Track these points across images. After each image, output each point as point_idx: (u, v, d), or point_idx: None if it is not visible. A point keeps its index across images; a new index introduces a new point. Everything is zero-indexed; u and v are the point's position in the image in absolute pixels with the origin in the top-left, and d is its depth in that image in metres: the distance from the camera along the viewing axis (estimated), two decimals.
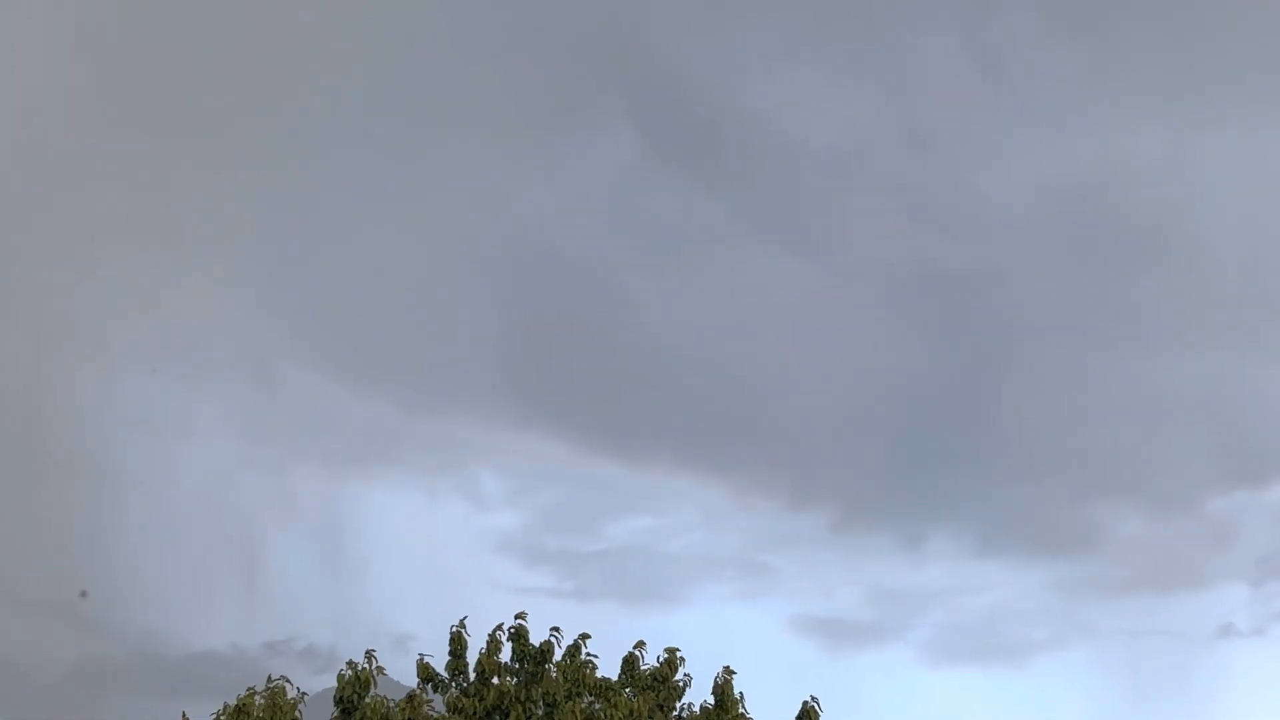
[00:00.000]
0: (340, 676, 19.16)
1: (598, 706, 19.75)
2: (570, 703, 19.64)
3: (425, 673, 20.34)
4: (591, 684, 20.10)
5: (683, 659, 20.43)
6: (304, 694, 19.15)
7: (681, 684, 20.33)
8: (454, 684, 20.27)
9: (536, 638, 20.38)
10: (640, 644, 20.46)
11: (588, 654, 20.34)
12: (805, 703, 20.26)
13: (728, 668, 20.15)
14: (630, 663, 20.48)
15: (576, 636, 20.43)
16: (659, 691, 20.10)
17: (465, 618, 20.17)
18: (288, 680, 19.03)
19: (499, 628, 20.21)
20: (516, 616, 20.22)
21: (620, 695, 19.78)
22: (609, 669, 20.56)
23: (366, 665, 19.29)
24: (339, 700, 19.13)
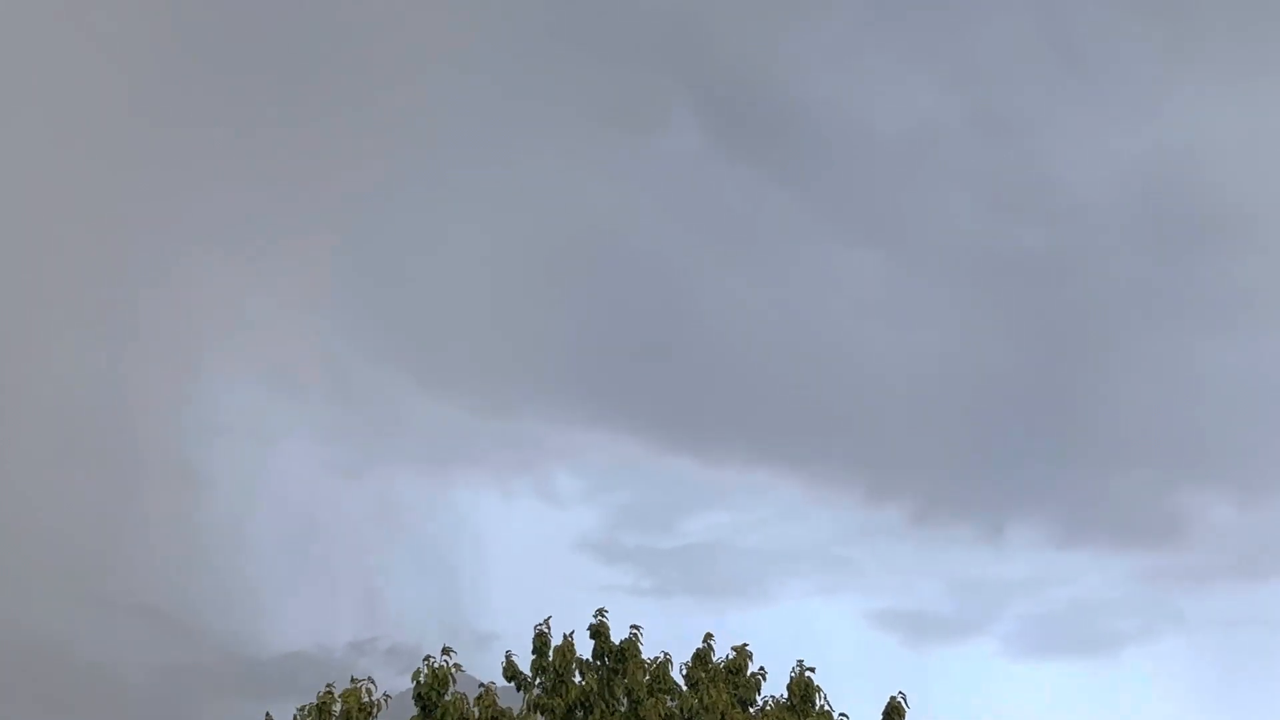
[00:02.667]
0: (417, 674, 19.13)
1: (673, 703, 19.62)
2: (653, 700, 19.59)
3: (511, 671, 20.36)
4: (670, 680, 20.06)
5: (751, 653, 20.37)
6: (387, 696, 19.28)
7: (757, 678, 20.15)
8: (537, 682, 20.24)
9: (617, 635, 20.34)
10: (709, 636, 20.39)
11: (652, 658, 20.16)
12: (893, 698, 20.15)
13: (802, 662, 20.10)
14: (701, 656, 20.48)
15: (637, 629, 20.23)
16: (735, 684, 19.95)
17: (549, 617, 20.21)
18: (372, 682, 19.08)
19: (584, 628, 20.20)
20: (596, 613, 20.19)
21: (704, 684, 19.69)
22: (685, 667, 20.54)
23: (444, 663, 19.25)
24: (418, 698, 19.15)
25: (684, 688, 20.13)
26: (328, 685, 19.08)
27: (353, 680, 19.20)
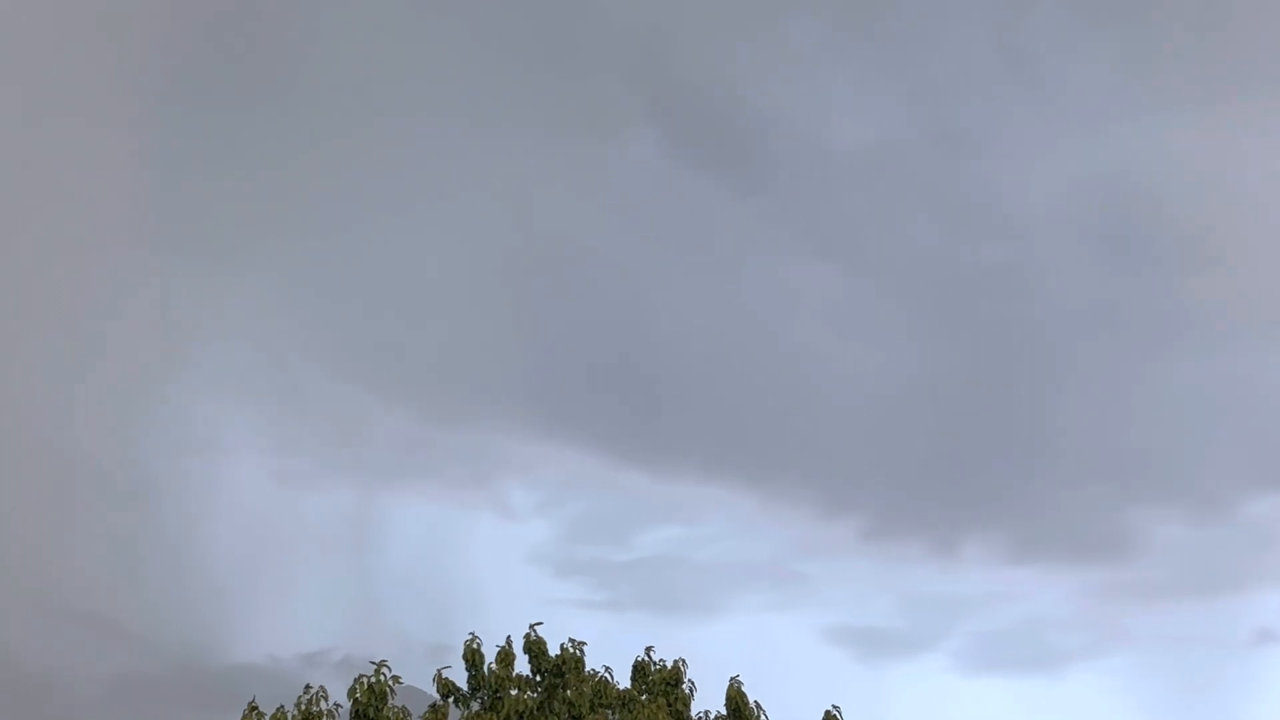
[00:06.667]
0: (351, 691, 19.02)
1: (615, 718, 19.68)
2: (594, 715, 19.59)
3: (446, 687, 20.26)
4: (613, 695, 20.10)
5: (686, 664, 20.54)
6: (337, 705, 19.17)
7: (688, 690, 20.29)
8: (475, 698, 20.18)
9: (559, 646, 20.33)
10: (649, 649, 20.51)
11: (593, 670, 20.23)
12: (828, 711, 20.28)
13: (736, 676, 20.23)
14: (640, 668, 20.56)
15: (569, 642, 20.28)
16: (671, 697, 20.06)
17: (473, 632, 20.08)
18: (324, 690, 19.03)
19: (523, 636, 20.16)
20: (531, 627, 20.13)
21: (639, 703, 19.75)
22: (628, 678, 20.63)
23: (381, 677, 19.14)
24: (355, 715, 19.01)
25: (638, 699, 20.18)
26: (279, 707, 19.03)
27: (306, 688, 19.14)
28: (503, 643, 20.29)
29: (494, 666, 20.01)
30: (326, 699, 19.05)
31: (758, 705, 20.15)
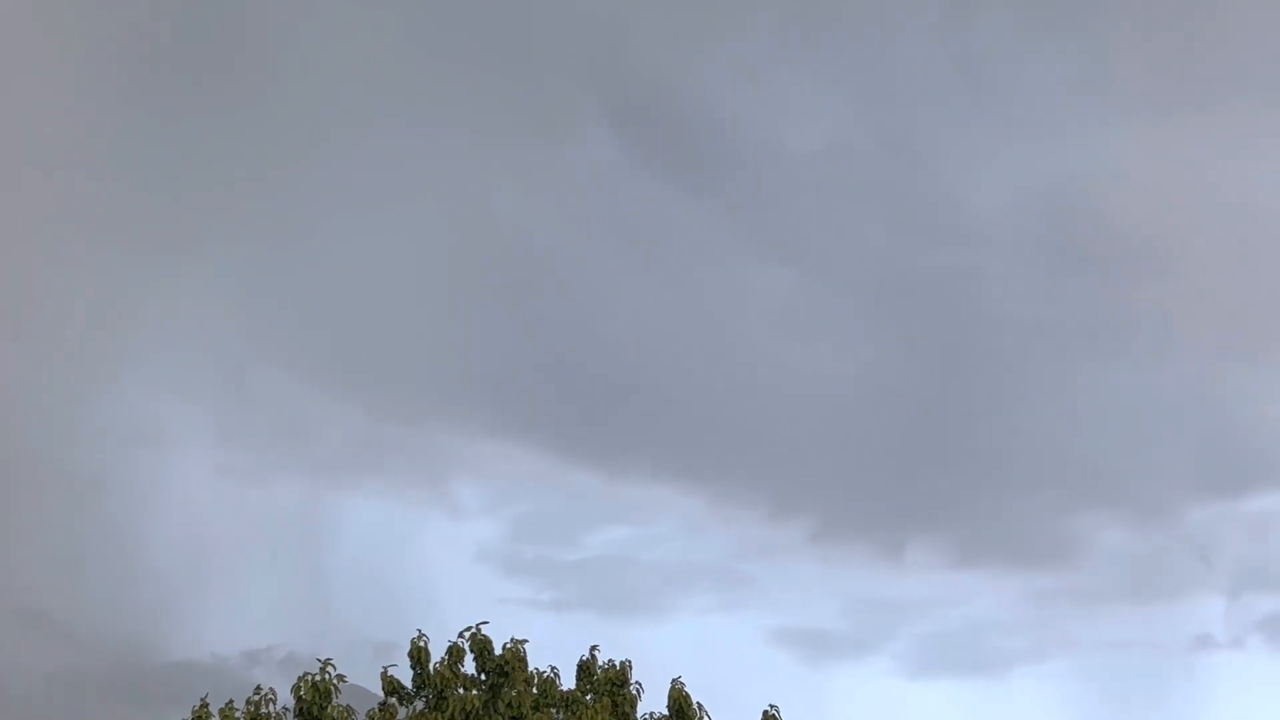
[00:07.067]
0: (295, 688, 18.94)
1: (560, 718, 19.68)
2: (537, 715, 19.57)
3: (390, 685, 20.20)
4: (557, 695, 20.09)
5: (631, 665, 20.57)
6: (285, 710, 19.15)
7: (635, 692, 20.32)
8: (420, 697, 20.12)
9: (501, 646, 20.31)
10: (594, 648, 20.55)
11: (539, 668, 20.23)
12: (766, 711, 20.40)
13: (679, 678, 20.30)
14: (585, 667, 20.59)
15: (519, 641, 20.28)
16: (616, 698, 20.08)
17: (420, 630, 20.03)
18: (273, 692, 18.98)
19: (460, 636, 20.11)
20: (477, 626, 20.12)
21: (583, 704, 19.75)
22: (573, 678, 20.63)
23: (325, 676, 19.07)
24: (298, 713, 18.94)
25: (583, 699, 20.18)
26: (229, 701, 18.92)
27: (257, 690, 19.05)
28: (447, 641, 20.26)
29: (440, 665, 19.95)
30: (275, 700, 18.97)
31: (700, 707, 20.18)
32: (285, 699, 19.29)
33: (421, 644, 20.00)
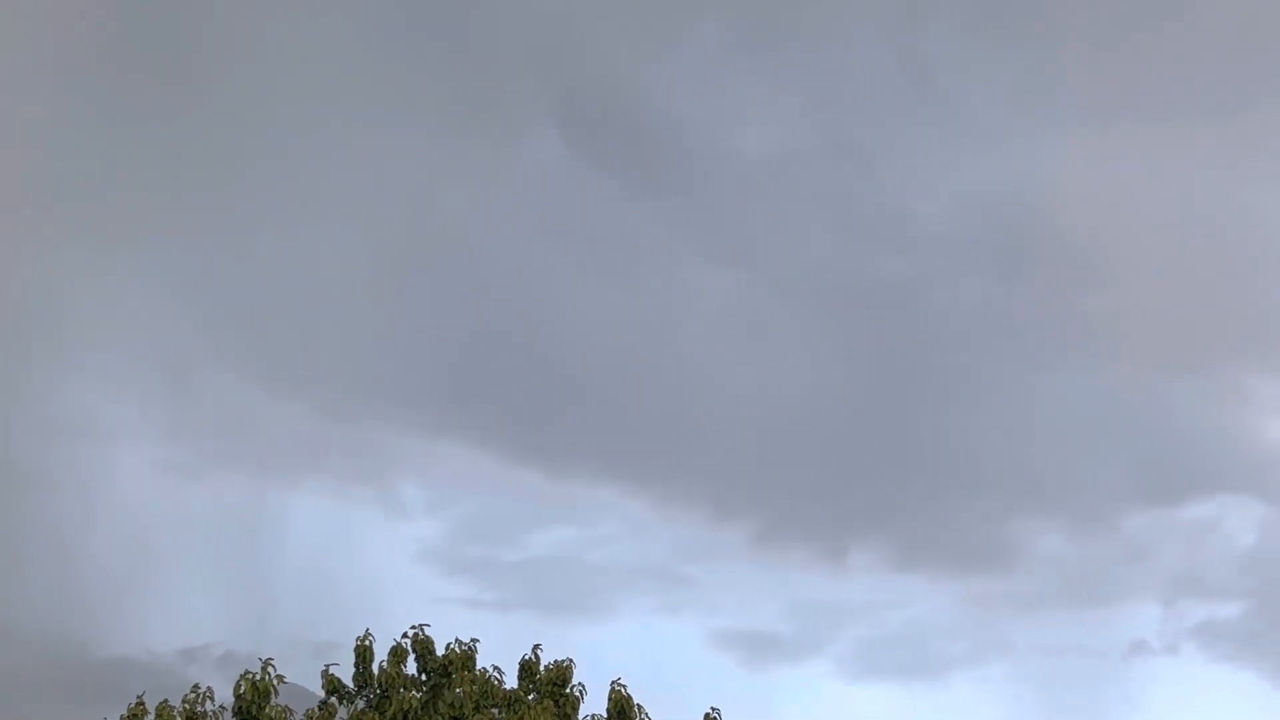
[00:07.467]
0: (236, 686, 18.79)
1: (502, 718, 19.62)
2: (478, 715, 19.51)
3: (332, 684, 20.11)
4: (499, 695, 20.03)
5: (573, 667, 20.56)
6: (223, 707, 18.97)
7: (576, 694, 20.32)
8: (361, 697, 20.02)
9: (444, 646, 20.23)
10: (537, 647, 20.52)
11: (484, 667, 20.19)
12: (707, 714, 20.48)
13: (619, 680, 20.34)
14: (528, 667, 20.56)
15: (468, 641, 20.25)
16: (558, 699, 20.06)
17: (368, 629, 19.98)
18: (211, 691, 18.81)
19: (404, 636, 20.04)
20: (418, 626, 20.09)
21: (525, 704, 19.71)
22: (515, 679, 20.58)
23: (265, 675, 18.93)
24: (237, 712, 18.79)
25: (525, 699, 20.15)
26: (164, 700, 18.72)
27: (194, 689, 18.86)
28: (389, 641, 20.19)
29: (385, 664, 19.87)
30: (213, 699, 18.80)
31: (641, 708, 20.20)
32: (224, 697, 19.12)
33: (367, 643, 19.93)
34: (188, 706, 18.80)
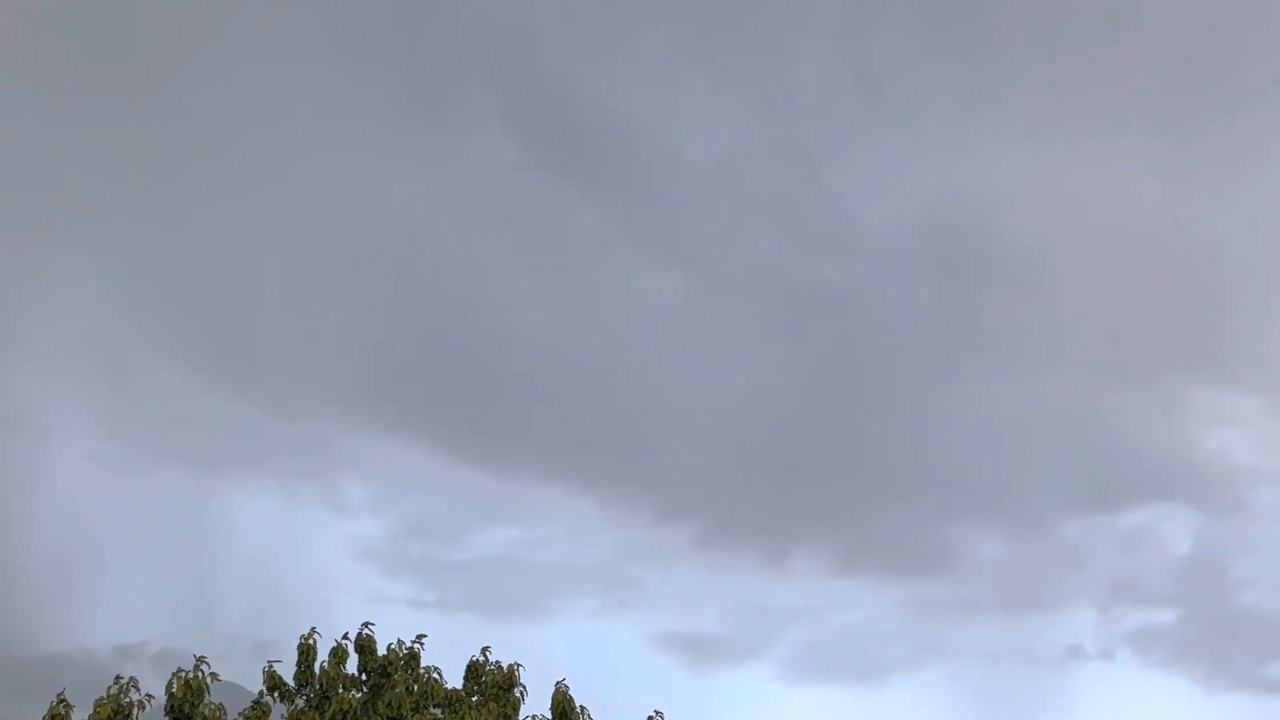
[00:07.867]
0: (169, 685, 18.50)
1: (443, 717, 19.49)
2: (417, 716, 19.36)
3: (272, 682, 19.88)
4: (440, 695, 19.89)
5: (519, 669, 20.50)
6: (150, 696, 18.68)
7: (520, 695, 20.23)
8: (301, 695, 19.80)
9: (385, 647, 20.07)
10: (486, 649, 20.43)
11: (429, 666, 20.04)
12: (650, 717, 20.35)
13: (562, 681, 20.26)
14: (475, 669, 20.42)
15: (413, 640, 20.11)
16: (502, 701, 19.96)
17: (314, 628, 19.79)
18: (135, 683, 18.44)
19: (345, 637, 19.88)
20: (363, 626, 19.91)
21: (466, 705, 19.58)
22: (460, 679, 20.45)
23: (198, 673, 18.65)
24: (169, 710, 18.51)
25: (467, 700, 20.06)
26: (59, 695, 18.34)
27: (117, 679, 18.54)
28: (334, 641, 19.98)
29: (326, 664, 19.68)
30: (138, 689, 18.49)
31: (584, 710, 20.14)
32: (155, 692, 18.83)
33: (311, 641, 19.74)
34: (111, 697, 18.42)
